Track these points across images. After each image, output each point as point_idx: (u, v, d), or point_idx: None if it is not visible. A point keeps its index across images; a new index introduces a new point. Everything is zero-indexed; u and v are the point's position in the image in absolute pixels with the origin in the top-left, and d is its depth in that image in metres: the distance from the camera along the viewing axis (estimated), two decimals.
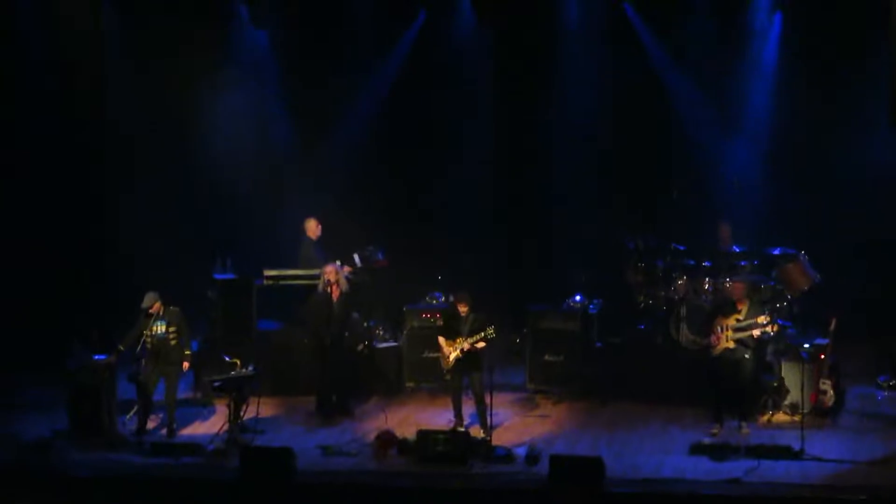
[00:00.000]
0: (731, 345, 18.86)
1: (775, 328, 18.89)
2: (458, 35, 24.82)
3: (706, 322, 19.68)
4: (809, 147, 23.41)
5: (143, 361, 19.17)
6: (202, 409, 20.36)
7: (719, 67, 23.89)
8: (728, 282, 20.77)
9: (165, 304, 19.30)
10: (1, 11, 23.17)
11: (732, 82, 23.99)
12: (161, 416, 19.45)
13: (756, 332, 18.75)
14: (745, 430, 18.80)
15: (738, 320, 18.91)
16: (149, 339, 19.13)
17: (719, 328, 18.98)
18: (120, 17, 24.01)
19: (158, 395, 19.38)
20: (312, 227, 22.16)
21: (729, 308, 19.15)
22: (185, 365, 19.40)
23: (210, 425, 19.46)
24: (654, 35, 24.11)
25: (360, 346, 20.34)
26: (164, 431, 19.20)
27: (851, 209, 23.02)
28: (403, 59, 24.94)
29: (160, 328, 19.18)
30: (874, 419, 19.39)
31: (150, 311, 19.19)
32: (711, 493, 16.55)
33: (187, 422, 19.71)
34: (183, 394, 20.23)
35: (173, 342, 19.22)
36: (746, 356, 18.87)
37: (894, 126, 18.18)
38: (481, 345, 18.80)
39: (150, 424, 19.31)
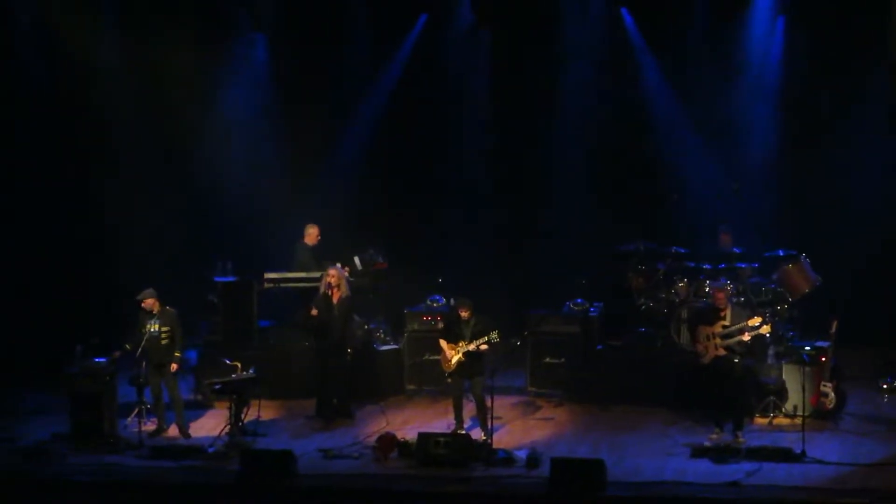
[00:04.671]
0: (722, 352, 18.64)
1: (769, 328, 18.81)
2: (458, 38, 24.80)
3: (689, 332, 19.65)
4: (813, 149, 23.38)
5: (144, 363, 19.16)
6: (203, 411, 20.38)
7: (721, 71, 23.84)
8: (707, 287, 20.69)
9: (163, 304, 19.30)
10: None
11: (734, 87, 23.93)
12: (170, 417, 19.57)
13: (746, 336, 18.54)
14: (741, 439, 18.49)
15: (724, 327, 18.67)
16: (145, 338, 19.15)
17: (704, 337, 18.77)
18: (118, 17, 24.02)
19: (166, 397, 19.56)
20: (313, 234, 22.10)
21: (712, 316, 18.84)
22: (174, 366, 19.31)
23: (211, 428, 19.43)
24: (653, 42, 24.08)
25: (348, 353, 20.14)
26: (167, 434, 19.31)
27: (854, 213, 23.00)
28: (404, 62, 24.92)
29: (154, 327, 19.18)
30: (875, 422, 19.37)
31: (143, 304, 19.17)
32: (712, 496, 16.53)
33: (188, 424, 19.72)
34: (184, 396, 20.21)
35: (164, 342, 19.19)
36: (736, 361, 18.58)
37: None
38: (484, 347, 18.79)
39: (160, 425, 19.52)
